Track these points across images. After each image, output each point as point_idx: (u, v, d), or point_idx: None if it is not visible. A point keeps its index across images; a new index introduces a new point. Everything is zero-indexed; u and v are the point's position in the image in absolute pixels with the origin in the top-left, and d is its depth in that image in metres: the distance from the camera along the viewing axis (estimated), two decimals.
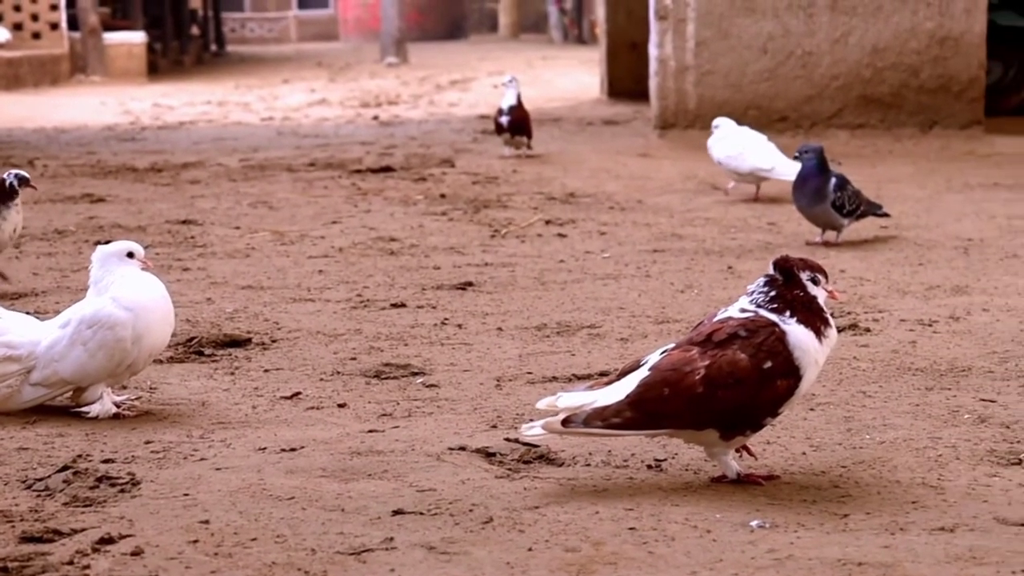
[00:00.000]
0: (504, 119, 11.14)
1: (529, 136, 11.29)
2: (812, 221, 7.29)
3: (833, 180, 7.10)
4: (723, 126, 8.99)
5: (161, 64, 27.41)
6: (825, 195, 7.08)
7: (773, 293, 3.52)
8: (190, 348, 5.19)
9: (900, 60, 11.58)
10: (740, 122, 11.63)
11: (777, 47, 11.59)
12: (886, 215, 7.53)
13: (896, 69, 11.60)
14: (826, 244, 7.23)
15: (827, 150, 10.94)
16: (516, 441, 3.90)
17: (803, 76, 11.62)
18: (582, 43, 34.36)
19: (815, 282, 3.54)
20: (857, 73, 11.61)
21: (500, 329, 5.50)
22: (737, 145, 8.76)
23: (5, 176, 6.27)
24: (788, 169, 8.61)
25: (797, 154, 7.25)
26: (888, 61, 11.59)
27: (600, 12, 17.71)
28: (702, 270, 6.66)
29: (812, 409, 4.25)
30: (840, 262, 6.77)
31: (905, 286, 6.18)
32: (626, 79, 16.36)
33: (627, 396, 3.48)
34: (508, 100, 11.12)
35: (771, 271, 3.55)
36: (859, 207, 7.19)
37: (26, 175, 6.32)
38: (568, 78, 22.32)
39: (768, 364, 3.46)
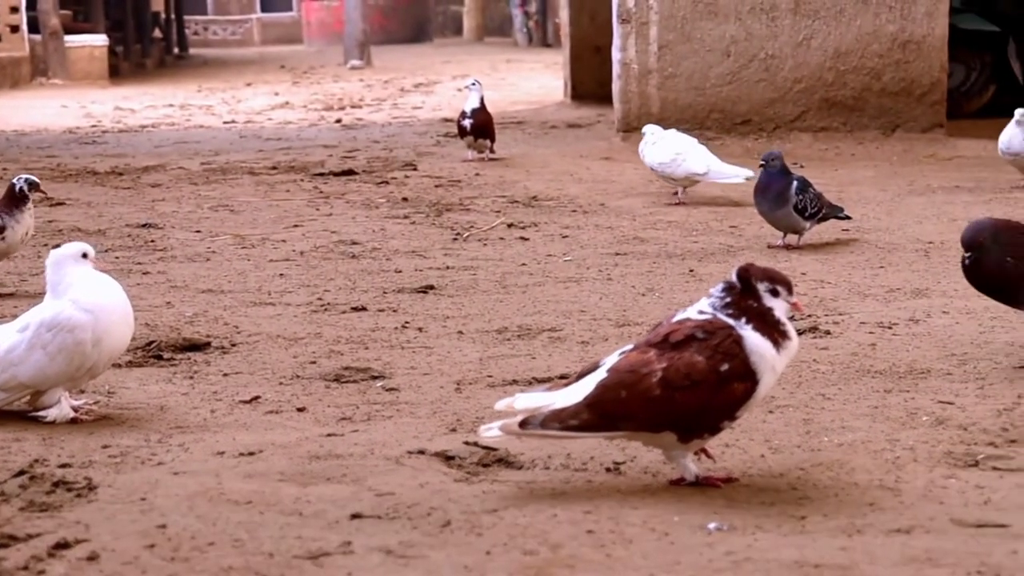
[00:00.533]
0: (467, 122, 11.14)
1: (492, 139, 11.30)
2: (774, 225, 7.31)
3: (795, 183, 7.12)
4: (651, 131, 9.02)
5: (123, 67, 27.32)
6: (787, 199, 7.10)
7: (729, 300, 3.53)
8: (149, 352, 5.16)
9: (862, 63, 11.62)
10: (704, 125, 11.75)
11: (740, 50, 11.61)
12: (847, 217, 7.57)
13: (858, 72, 11.64)
14: (787, 247, 7.25)
15: (790, 153, 11.07)
16: (475, 444, 3.90)
17: (766, 79, 11.65)
18: (547, 46, 34.39)
19: (774, 293, 3.53)
20: (819, 76, 11.65)
21: (461, 332, 5.49)
22: (670, 150, 8.80)
23: (15, 181, 6.29)
24: (722, 171, 8.72)
25: (763, 162, 7.24)
26: (850, 64, 11.63)
27: (564, 15, 17.72)
28: (664, 273, 6.67)
29: (771, 412, 4.25)
30: (801, 265, 6.78)
31: (866, 289, 6.20)
32: (590, 82, 16.37)
33: (585, 398, 3.48)
34: (471, 103, 11.13)
35: (731, 278, 3.55)
36: (820, 210, 7.21)
37: (35, 180, 6.32)
38: (532, 81, 22.33)
39: (725, 367, 3.47)
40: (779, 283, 3.54)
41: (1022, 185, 9.17)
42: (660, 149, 8.84)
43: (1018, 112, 9.00)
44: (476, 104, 11.11)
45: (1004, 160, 9.23)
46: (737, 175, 8.74)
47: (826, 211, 7.26)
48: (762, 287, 3.52)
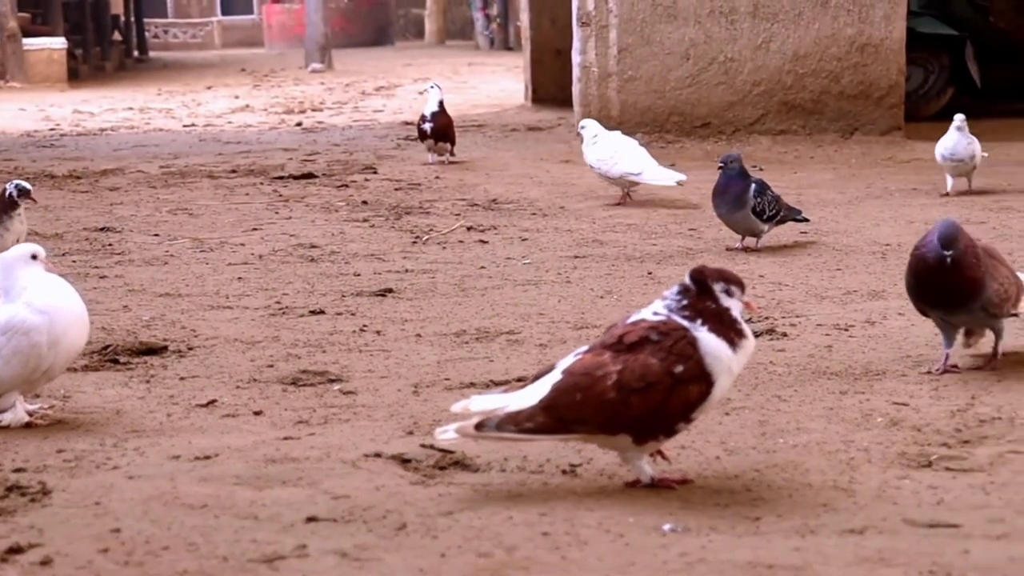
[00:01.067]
0: (427, 126, 11.14)
1: (452, 142, 11.29)
2: (732, 227, 7.33)
3: (753, 186, 7.14)
4: (589, 127, 9.10)
5: (82, 70, 27.17)
6: (745, 201, 7.12)
7: (685, 302, 3.54)
8: (105, 356, 5.15)
9: (821, 66, 11.68)
10: (664, 128, 11.79)
11: (699, 53, 11.65)
12: (805, 220, 7.60)
13: (817, 75, 11.69)
14: (746, 250, 7.28)
15: (749, 156, 11.11)
16: (432, 447, 3.90)
17: (725, 82, 11.69)
18: (508, 49, 34.40)
19: (729, 294, 3.55)
20: (778, 79, 11.70)
21: (419, 335, 5.49)
22: (608, 150, 8.85)
23: (6, 187, 6.28)
24: (657, 174, 8.78)
25: (722, 164, 7.25)
26: (809, 67, 11.68)
27: (524, 19, 17.74)
28: (622, 276, 6.68)
29: (727, 414, 4.27)
30: (759, 267, 6.81)
31: (823, 291, 6.22)
32: (550, 85, 16.38)
33: (540, 401, 3.49)
34: (431, 106, 11.13)
35: (686, 280, 3.56)
36: (778, 212, 7.24)
37: (27, 186, 6.31)
38: (494, 84, 22.34)
39: (679, 368, 3.48)
40: (733, 283, 3.55)
41: (966, 191, 9.06)
42: (599, 148, 8.91)
43: (958, 118, 8.97)
44: (436, 107, 11.12)
45: (945, 167, 9.02)
46: (671, 178, 8.82)
47: (784, 214, 7.29)
48: (718, 287, 3.54)
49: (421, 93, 12.67)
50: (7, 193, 6.24)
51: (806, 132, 11.71)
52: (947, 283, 4.62)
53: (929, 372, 4.70)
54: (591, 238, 7.77)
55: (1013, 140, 11.99)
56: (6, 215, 6.23)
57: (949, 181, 9.04)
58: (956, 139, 8.91)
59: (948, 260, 4.57)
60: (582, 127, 9.21)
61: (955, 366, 4.73)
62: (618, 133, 9.19)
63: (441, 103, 11.16)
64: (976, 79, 13.81)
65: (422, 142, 11.38)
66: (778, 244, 7.42)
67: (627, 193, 9.04)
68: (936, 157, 9.03)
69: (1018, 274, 4.84)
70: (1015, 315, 4.79)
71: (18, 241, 6.34)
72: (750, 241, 7.32)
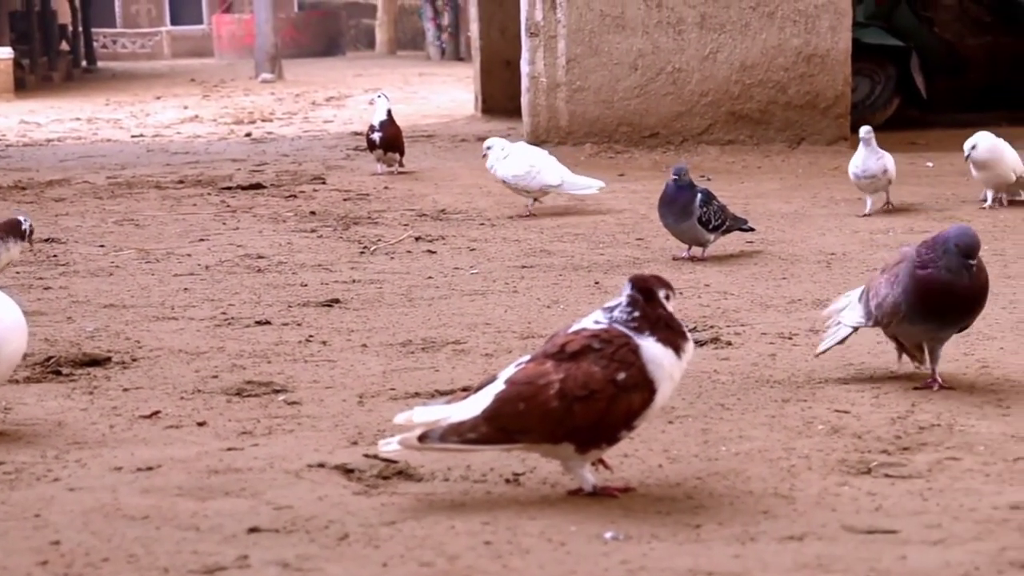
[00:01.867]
0: (376, 135, 11.15)
1: (401, 152, 11.30)
2: (679, 237, 7.37)
3: (699, 196, 7.18)
4: (496, 144, 9.12)
5: (29, 80, 26.98)
6: (691, 211, 7.16)
7: (637, 313, 3.55)
8: (48, 368, 5.11)
9: (768, 77, 11.75)
10: (612, 138, 11.82)
11: (647, 64, 11.70)
12: (751, 230, 7.65)
13: (764, 86, 11.76)
14: (692, 259, 7.31)
15: (698, 166, 11.17)
16: (375, 457, 3.90)
17: (673, 93, 11.74)
18: (460, 59, 34.41)
19: (668, 299, 3.58)
20: (726, 90, 11.76)
21: (365, 346, 5.49)
22: (525, 163, 8.88)
23: (23, 219, 6.29)
24: (576, 182, 8.85)
25: (675, 176, 7.25)
26: (756, 78, 11.75)
27: (474, 29, 17.76)
28: (569, 285, 6.70)
29: (670, 422, 4.29)
30: (705, 276, 6.84)
31: (768, 300, 6.26)
32: (500, 96, 16.40)
33: (483, 411, 3.49)
34: (379, 116, 11.14)
35: (630, 291, 3.58)
36: (724, 222, 7.29)
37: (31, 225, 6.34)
38: (444, 95, 22.34)
39: (621, 376, 3.49)
40: (670, 288, 3.59)
41: (889, 208, 8.80)
42: (513, 162, 8.92)
43: (863, 130, 8.67)
44: (384, 117, 11.13)
45: (859, 186, 8.66)
46: (590, 186, 8.89)
47: (730, 223, 7.34)
48: (662, 293, 3.56)
49: (370, 103, 12.66)
50: (24, 226, 6.25)
51: (753, 142, 11.78)
52: (970, 296, 4.43)
53: (928, 387, 4.57)
54: (539, 248, 7.79)
55: (957, 151, 12.06)
56: (12, 239, 6.20)
57: (868, 201, 8.69)
58: (864, 155, 8.54)
59: (970, 271, 4.35)
60: (488, 147, 9.19)
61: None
62: (523, 144, 9.24)
63: (389, 112, 11.17)
64: (922, 90, 13.93)
65: (371, 152, 11.38)
66: (724, 253, 7.46)
67: (533, 202, 9.08)
68: (849, 176, 8.66)
69: None
70: None
71: (8, 265, 6.32)
72: (696, 251, 7.35)
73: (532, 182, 8.88)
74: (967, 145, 8.74)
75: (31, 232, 6.32)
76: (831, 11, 11.63)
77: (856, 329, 4.75)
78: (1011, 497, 3.54)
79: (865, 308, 4.67)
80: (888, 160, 8.61)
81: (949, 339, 4.68)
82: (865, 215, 8.62)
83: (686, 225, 7.21)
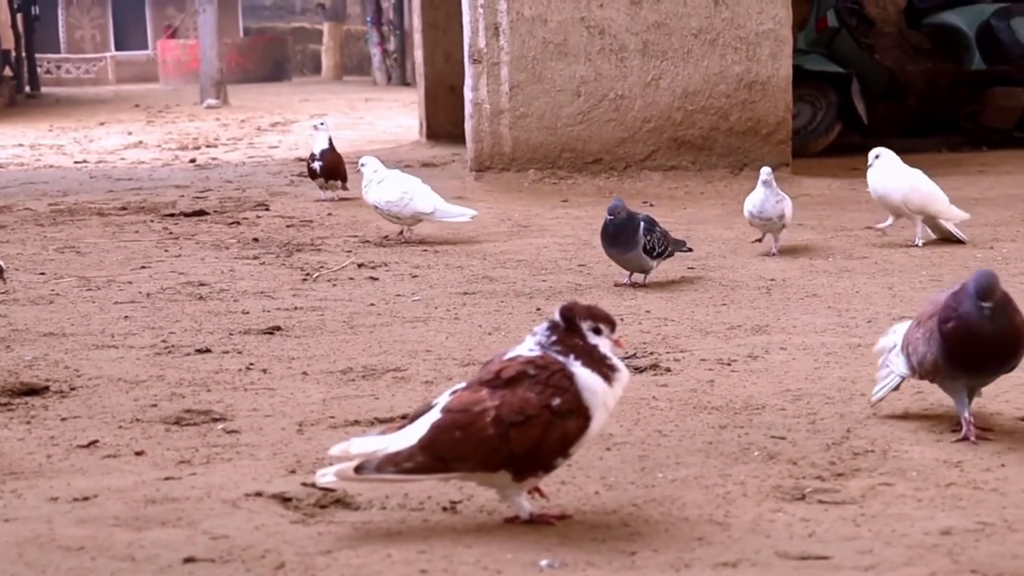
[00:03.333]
0: (316, 164, 11.18)
1: (343, 179, 11.31)
2: (623, 266, 7.40)
3: (642, 225, 7.22)
4: (370, 164, 9.19)
5: None
6: (636, 241, 7.19)
7: (555, 338, 3.58)
8: None
9: (710, 103, 11.82)
10: (556, 164, 11.86)
11: (590, 90, 11.75)
12: (690, 250, 7.72)
13: (706, 112, 11.84)
14: (633, 285, 7.35)
15: (641, 192, 11.22)
16: (313, 486, 3.90)
17: (616, 119, 11.80)
18: (406, 85, 34.43)
19: (597, 332, 3.60)
20: (668, 116, 11.82)
21: (305, 373, 5.49)
22: (398, 189, 8.95)
23: None
24: (448, 211, 8.92)
25: (611, 215, 7.25)
26: (698, 104, 11.83)
27: (418, 55, 17.79)
28: (511, 312, 6.72)
29: (608, 449, 4.31)
30: (646, 303, 6.88)
31: (707, 326, 6.30)
32: (445, 122, 16.44)
33: (419, 440, 3.50)
34: (320, 144, 11.18)
35: (555, 317, 3.61)
36: (667, 248, 7.35)
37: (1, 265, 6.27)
38: (390, 120, 22.36)
39: (556, 401, 3.51)
40: (601, 321, 3.60)
41: (774, 253, 8.25)
42: (386, 188, 8.98)
43: (765, 171, 8.33)
44: (325, 145, 11.16)
45: (754, 225, 8.35)
46: (463, 214, 8.97)
47: (671, 248, 7.41)
48: (585, 325, 3.59)
49: (315, 128, 12.62)
50: None
51: (696, 168, 11.84)
52: (999, 339, 4.19)
53: (966, 439, 4.32)
54: (481, 274, 7.81)
55: None
56: None
57: (772, 240, 8.33)
58: (763, 196, 8.18)
59: (984, 314, 4.14)
60: (363, 164, 9.25)
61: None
62: (398, 172, 9.30)
63: (330, 140, 11.20)
64: (863, 116, 14.07)
65: (313, 180, 11.39)
66: (666, 279, 7.50)
67: (408, 229, 9.14)
68: (744, 214, 8.31)
69: None
70: None
71: None
72: (638, 277, 7.39)
73: (404, 209, 8.92)
74: (871, 155, 8.76)
75: None
76: (772, 39, 11.72)
77: (905, 378, 4.55)
78: (942, 523, 3.58)
79: (908, 363, 4.46)
80: (787, 204, 8.26)
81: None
82: (772, 254, 8.24)
83: (632, 255, 7.25)
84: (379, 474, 3.49)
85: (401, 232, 9.14)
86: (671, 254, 7.45)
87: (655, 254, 7.27)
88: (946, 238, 8.61)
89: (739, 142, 11.85)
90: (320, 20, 45.76)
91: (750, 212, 8.25)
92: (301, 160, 14.56)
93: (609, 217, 7.29)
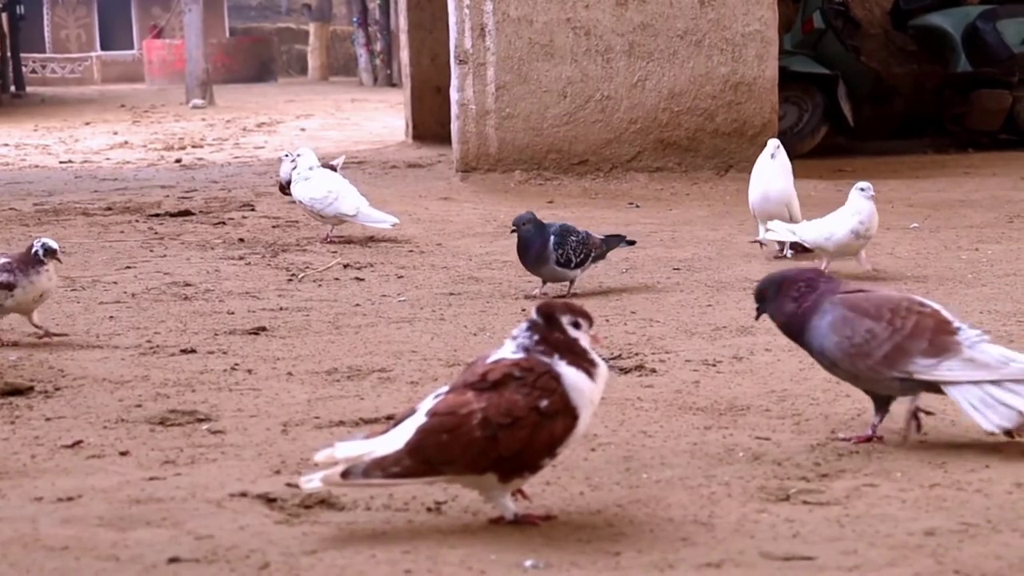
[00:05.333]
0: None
1: None
2: (544, 279, 7.26)
3: (552, 239, 7.06)
4: (306, 158, 9.23)
5: None
6: (547, 256, 7.09)
7: (537, 337, 3.58)
8: None
9: (696, 105, 11.84)
10: (542, 165, 11.86)
11: (576, 91, 11.76)
12: (631, 243, 7.55)
13: (692, 113, 11.85)
14: (544, 295, 7.15)
15: (627, 193, 11.23)
16: (298, 487, 3.89)
17: (602, 120, 11.81)
18: (392, 86, 34.42)
19: (576, 326, 3.61)
20: (654, 117, 11.84)
21: (290, 374, 5.49)
22: (322, 188, 8.99)
23: (33, 243, 6.10)
24: (371, 215, 8.94)
25: (514, 228, 7.17)
26: (684, 106, 11.84)
27: (404, 56, 17.78)
28: (496, 313, 6.72)
29: (593, 449, 4.31)
30: (631, 304, 6.88)
31: (693, 327, 6.30)
32: (431, 122, 16.45)
33: (406, 444, 3.49)
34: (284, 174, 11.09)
35: (534, 315, 3.61)
36: (588, 256, 7.14)
37: (54, 246, 6.12)
38: (376, 121, 22.35)
39: (544, 403, 3.51)
40: (579, 316, 3.61)
41: (869, 268, 7.57)
42: (313, 185, 9.03)
43: (867, 186, 7.52)
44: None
45: (848, 246, 7.52)
46: (385, 221, 8.99)
47: (596, 252, 7.20)
48: (565, 319, 3.59)
49: (303, 129, 12.57)
50: (33, 250, 6.08)
51: (682, 169, 11.86)
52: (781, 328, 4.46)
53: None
54: (467, 275, 7.81)
55: (883, 178, 12.23)
56: (33, 268, 6.05)
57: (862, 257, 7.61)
58: (871, 210, 7.45)
59: (756, 315, 4.53)
60: (297, 154, 9.28)
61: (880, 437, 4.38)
62: (327, 171, 9.35)
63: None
64: (849, 117, 14.10)
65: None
66: (651, 281, 7.51)
67: (332, 228, 9.15)
68: (846, 232, 7.45)
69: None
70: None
71: (42, 298, 6.16)
72: (551, 287, 7.21)
73: (328, 208, 8.97)
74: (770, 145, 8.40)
75: (46, 253, 6.13)
76: (758, 40, 11.74)
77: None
78: (926, 523, 3.59)
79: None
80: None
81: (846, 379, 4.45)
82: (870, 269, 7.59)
83: (546, 270, 7.11)
84: (366, 479, 3.48)
85: (329, 230, 9.16)
86: (600, 257, 7.27)
87: (572, 265, 7.12)
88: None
89: (725, 143, 11.87)
90: (306, 21, 45.71)
91: (854, 231, 7.41)
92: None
93: (513, 230, 7.18)
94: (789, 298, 4.37)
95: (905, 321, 4.20)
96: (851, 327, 4.23)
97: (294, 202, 11.09)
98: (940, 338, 4.18)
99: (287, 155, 11.45)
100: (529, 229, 7.09)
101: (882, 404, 4.35)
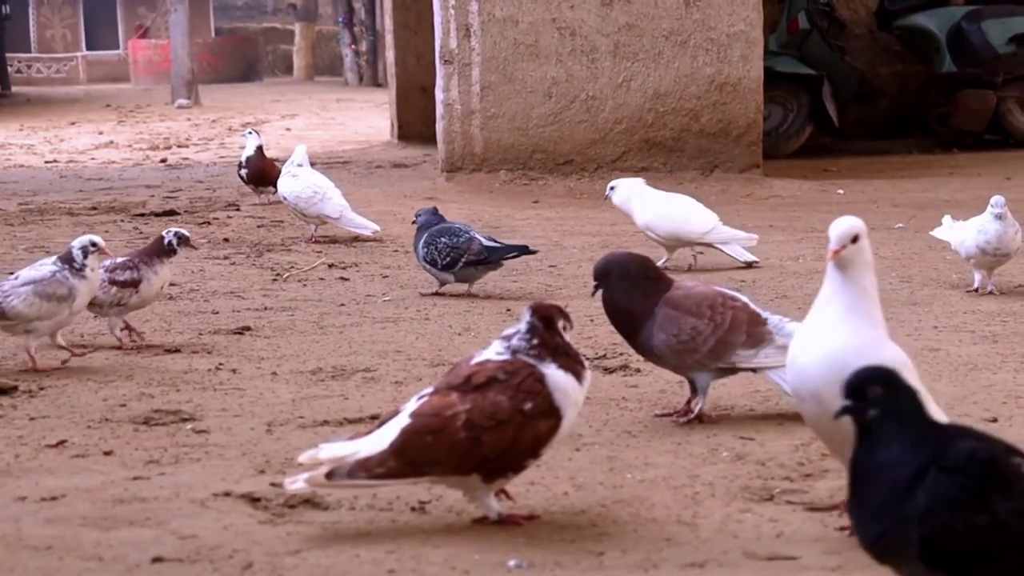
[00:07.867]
0: (243, 172, 11.14)
1: (273, 184, 11.06)
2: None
3: (423, 237, 7.06)
4: (298, 153, 9.28)
5: None
6: (417, 253, 7.16)
7: (536, 340, 3.59)
8: None
9: (681, 105, 11.85)
10: (527, 165, 11.86)
11: (561, 92, 11.76)
12: (532, 253, 7.34)
13: (677, 114, 11.86)
14: (436, 294, 7.16)
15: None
16: (281, 487, 3.89)
17: (587, 120, 11.81)
18: (378, 86, 34.36)
19: (565, 329, 3.63)
20: (639, 117, 11.84)
21: (275, 374, 5.48)
22: (309, 187, 9.01)
23: (165, 234, 6.07)
24: (353, 220, 8.96)
25: (415, 219, 7.29)
26: (669, 106, 11.85)
27: (390, 56, 17.78)
28: (481, 312, 6.72)
29: (577, 449, 4.32)
30: None
31: None
32: (416, 122, 16.45)
33: (390, 445, 3.49)
34: (247, 152, 11.11)
35: (530, 318, 3.61)
36: (458, 259, 7.00)
37: (186, 234, 6.10)
38: (361, 121, 22.33)
39: (528, 405, 3.52)
40: (566, 319, 3.64)
41: (991, 291, 6.96)
42: (299, 183, 9.05)
43: (998, 202, 6.86)
44: (252, 153, 11.08)
45: (977, 263, 6.95)
46: (367, 227, 9.00)
47: (472, 259, 7.03)
48: (560, 323, 3.61)
49: (288, 129, 12.59)
50: (166, 241, 6.04)
51: (667, 169, 11.85)
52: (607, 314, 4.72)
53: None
54: None
55: (869, 178, 12.28)
56: (159, 260, 6.02)
57: (976, 278, 6.99)
58: (999, 228, 6.79)
59: (593, 292, 4.71)
60: (293, 154, 9.30)
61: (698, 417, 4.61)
62: (316, 171, 9.37)
63: (259, 148, 11.11)
64: (834, 118, 14.13)
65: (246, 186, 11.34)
66: None
67: (315, 228, 9.17)
68: (968, 249, 6.84)
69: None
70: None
71: (163, 288, 6.14)
72: (459, 287, 7.19)
73: (311, 207, 8.99)
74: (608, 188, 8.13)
75: (180, 242, 6.10)
76: (743, 40, 11.75)
77: None
78: None
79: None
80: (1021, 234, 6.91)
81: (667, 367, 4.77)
82: (974, 290, 6.99)
83: (424, 267, 7.18)
84: (350, 480, 3.48)
85: (313, 229, 9.17)
86: (487, 264, 7.09)
87: (439, 266, 7.06)
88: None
89: (710, 143, 11.87)
90: (292, 20, 45.66)
91: (980, 247, 6.81)
92: (274, 160, 14.53)
93: (413, 220, 7.27)
94: (639, 290, 4.59)
95: (724, 316, 4.57)
96: (677, 325, 4.54)
97: (246, 184, 11.13)
98: (755, 329, 4.58)
99: (251, 132, 11.45)
100: (420, 221, 7.19)
101: (702, 388, 4.65)
